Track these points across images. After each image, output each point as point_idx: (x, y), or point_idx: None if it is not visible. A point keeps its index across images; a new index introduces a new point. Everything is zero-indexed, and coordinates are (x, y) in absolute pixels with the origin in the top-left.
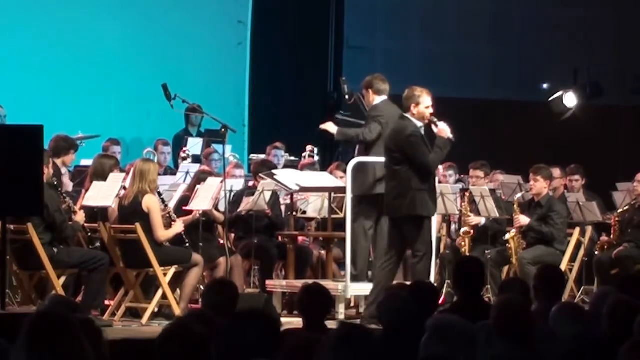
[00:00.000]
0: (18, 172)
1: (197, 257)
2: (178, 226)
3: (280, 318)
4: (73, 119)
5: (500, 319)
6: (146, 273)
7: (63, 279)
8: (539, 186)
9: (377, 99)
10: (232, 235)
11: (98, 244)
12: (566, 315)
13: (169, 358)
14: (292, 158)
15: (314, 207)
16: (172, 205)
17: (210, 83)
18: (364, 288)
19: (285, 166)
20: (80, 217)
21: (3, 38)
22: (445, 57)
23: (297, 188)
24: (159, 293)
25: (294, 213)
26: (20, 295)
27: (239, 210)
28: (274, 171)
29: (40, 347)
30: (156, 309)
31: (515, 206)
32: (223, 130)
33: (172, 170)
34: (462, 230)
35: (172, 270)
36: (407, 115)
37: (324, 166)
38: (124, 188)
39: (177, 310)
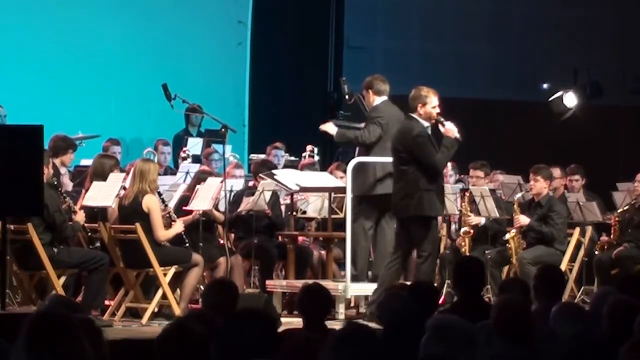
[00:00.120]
0: (18, 172)
1: (197, 257)
2: (178, 226)
3: (280, 318)
4: (73, 119)
5: (500, 319)
6: (146, 273)
7: (63, 279)
8: (539, 186)
9: (378, 100)
10: (232, 235)
11: (98, 244)
12: (566, 315)
13: (169, 358)
14: (292, 158)
15: (314, 207)
16: (172, 205)
17: (210, 83)
18: (364, 288)
19: (285, 166)
20: (80, 217)
21: (3, 38)
22: (445, 57)
23: (297, 188)
24: (159, 293)
25: (294, 213)
26: (20, 295)
27: (239, 210)
28: (274, 171)
29: (40, 347)
30: (156, 309)
31: (515, 206)
32: (223, 130)
33: (172, 170)
34: (462, 230)
35: (172, 270)
36: (414, 115)
37: (324, 166)
38: (124, 188)
39: (177, 310)
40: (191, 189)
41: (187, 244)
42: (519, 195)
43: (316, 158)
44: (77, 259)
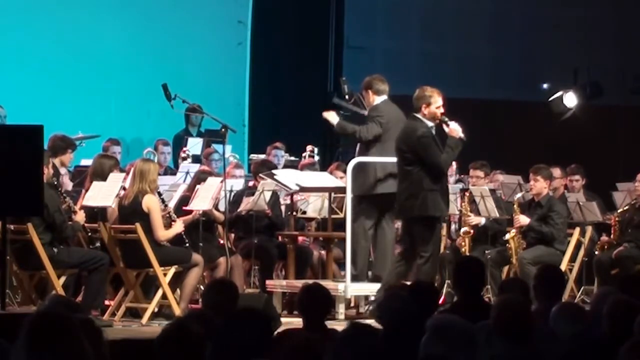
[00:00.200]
0: (18, 172)
1: (197, 257)
2: (178, 226)
3: (280, 318)
4: (73, 119)
5: (500, 319)
6: (146, 273)
7: (63, 279)
8: (539, 186)
9: (377, 99)
10: (232, 235)
11: (98, 244)
12: (566, 315)
13: (168, 358)
14: (292, 158)
15: (314, 207)
16: (172, 205)
17: (210, 83)
18: (364, 288)
19: (285, 166)
20: (80, 217)
21: (3, 38)
22: (445, 57)
23: (297, 188)
24: (159, 293)
25: (294, 213)
26: (20, 295)
27: (239, 210)
28: (274, 171)
29: (40, 347)
30: (156, 309)
31: (515, 206)
32: (223, 130)
33: (172, 170)
34: (462, 230)
35: (172, 270)
36: (418, 115)
37: (324, 166)
38: (124, 188)
39: (177, 310)
40: (191, 189)
41: (187, 244)
42: (519, 195)
43: (316, 158)
44: (77, 259)
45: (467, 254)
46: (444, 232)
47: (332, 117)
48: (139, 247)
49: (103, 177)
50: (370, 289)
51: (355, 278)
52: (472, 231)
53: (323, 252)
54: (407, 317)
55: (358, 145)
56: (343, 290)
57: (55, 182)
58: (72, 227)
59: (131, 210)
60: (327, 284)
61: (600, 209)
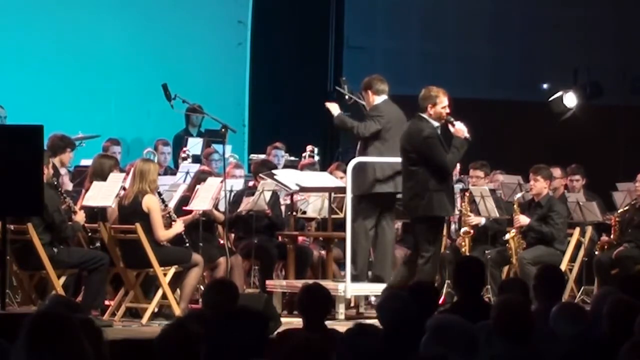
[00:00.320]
0: (18, 172)
1: (197, 257)
2: (178, 226)
3: (280, 318)
4: (73, 119)
5: (500, 319)
6: (146, 273)
7: (63, 279)
8: (539, 186)
9: (377, 99)
10: (232, 235)
11: (98, 244)
12: (566, 315)
13: (168, 358)
14: (292, 158)
15: (314, 207)
16: (172, 205)
17: (210, 83)
18: (364, 288)
19: (285, 166)
20: (80, 217)
21: (3, 38)
22: (445, 57)
23: (297, 188)
24: (159, 293)
25: (294, 213)
26: (20, 295)
27: (239, 210)
28: (274, 171)
29: (40, 347)
30: (156, 309)
31: (515, 206)
32: (223, 130)
33: (172, 170)
34: (462, 230)
35: (172, 270)
36: (424, 115)
37: (324, 166)
38: (124, 188)
39: (177, 310)
40: (191, 189)
41: (187, 244)
42: (519, 195)
43: (316, 158)
44: (77, 259)
45: (467, 254)
46: (444, 232)
47: (333, 108)
48: (139, 247)
49: (103, 177)
50: (370, 289)
51: (355, 278)
52: (472, 231)
53: (323, 252)
54: (407, 317)
55: (358, 144)
56: (343, 290)
57: (55, 182)
58: (72, 227)
59: (131, 210)
60: (327, 284)
61: (600, 209)
